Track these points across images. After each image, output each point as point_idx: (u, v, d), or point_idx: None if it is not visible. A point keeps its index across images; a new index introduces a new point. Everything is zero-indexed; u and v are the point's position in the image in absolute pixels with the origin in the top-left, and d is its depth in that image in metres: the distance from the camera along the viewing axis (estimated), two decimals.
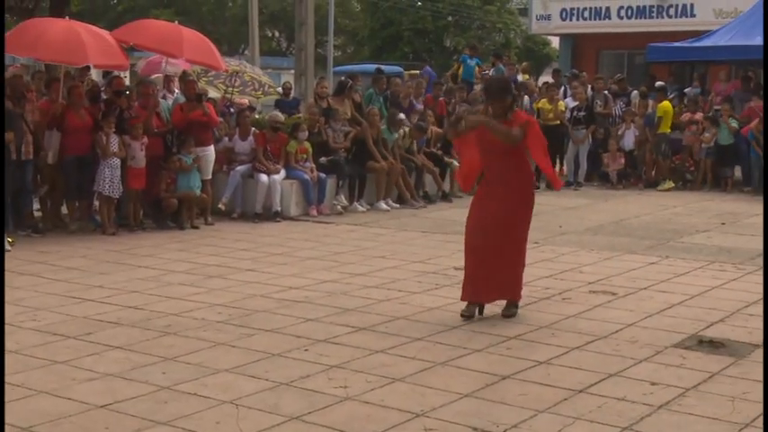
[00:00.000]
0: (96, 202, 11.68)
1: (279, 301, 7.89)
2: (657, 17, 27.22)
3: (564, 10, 29.01)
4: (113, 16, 40.97)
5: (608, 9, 28.11)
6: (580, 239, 11.22)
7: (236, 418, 5.09)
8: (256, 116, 14.53)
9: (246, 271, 9.18)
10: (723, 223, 12.56)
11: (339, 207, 13.36)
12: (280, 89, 17.99)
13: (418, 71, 24.15)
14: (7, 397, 5.08)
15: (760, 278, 8.87)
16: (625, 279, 8.84)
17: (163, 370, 5.92)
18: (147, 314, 7.38)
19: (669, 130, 16.85)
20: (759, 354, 6.37)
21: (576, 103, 17.34)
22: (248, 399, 5.38)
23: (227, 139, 13.32)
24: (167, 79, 13.64)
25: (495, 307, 7.50)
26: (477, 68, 20.52)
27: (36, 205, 11.65)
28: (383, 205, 13.73)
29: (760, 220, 12.69)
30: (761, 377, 5.81)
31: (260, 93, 16.68)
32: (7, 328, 6.52)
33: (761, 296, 8.05)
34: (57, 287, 8.34)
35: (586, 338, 6.73)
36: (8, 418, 4.76)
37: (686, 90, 19.16)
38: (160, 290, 8.28)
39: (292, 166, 13.04)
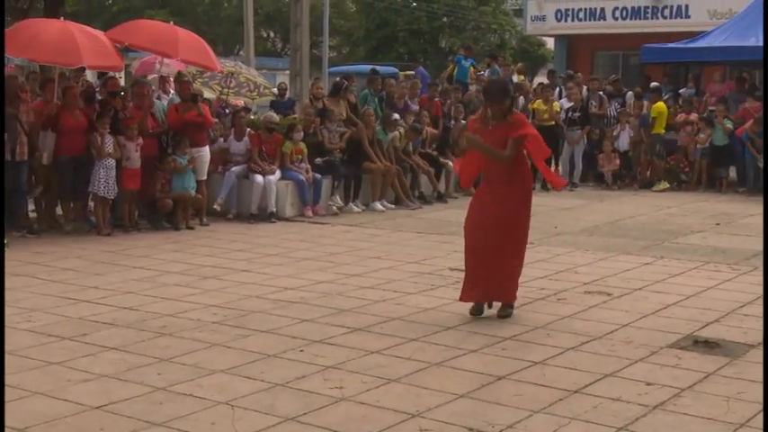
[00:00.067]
0: (91, 203, 11.67)
1: (274, 301, 7.89)
2: (652, 18, 27.27)
3: (559, 11, 29.05)
4: (108, 17, 40.95)
5: (603, 10, 28.15)
6: (575, 240, 11.23)
7: (232, 418, 5.09)
8: (251, 117, 14.53)
9: (242, 272, 9.18)
10: (718, 224, 12.58)
11: (334, 208, 13.36)
12: (275, 90, 18.00)
13: (413, 72, 24.16)
14: None
15: (755, 278, 8.89)
16: (620, 279, 8.85)
17: (158, 371, 5.91)
18: (142, 315, 7.37)
19: (663, 131, 16.87)
20: (754, 354, 6.38)
21: (571, 104, 17.36)
22: (244, 399, 5.38)
23: (222, 139, 13.31)
24: (162, 80, 13.65)
25: (490, 308, 7.51)
26: (471, 69, 20.53)
27: (31, 206, 11.62)
28: (378, 206, 13.73)
29: (755, 220, 12.73)
30: (756, 377, 5.83)
31: (255, 94, 16.71)
32: None
33: (756, 296, 8.07)
34: (51, 288, 8.33)
35: (582, 339, 6.74)
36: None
37: (681, 91, 19.19)
38: (155, 291, 8.27)
39: (288, 166, 13.03)
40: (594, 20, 28.41)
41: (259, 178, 12.67)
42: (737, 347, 6.54)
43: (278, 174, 12.87)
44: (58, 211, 11.85)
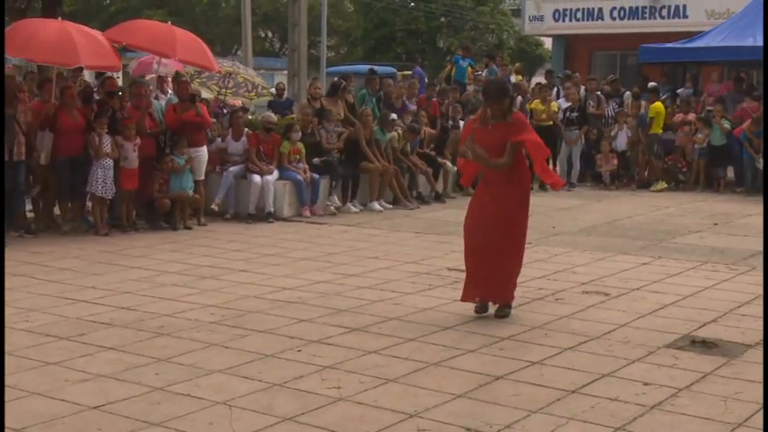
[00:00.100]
0: (89, 203, 11.66)
1: (272, 301, 7.89)
2: (650, 18, 27.29)
3: (557, 11, 29.06)
4: (106, 17, 40.91)
5: (600, 10, 28.17)
6: (573, 240, 11.23)
7: (230, 418, 5.09)
8: (249, 117, 14.53)
9: (239, 272, 9.18)
10: (716, 224, 12.59)
11: (332, 208, 13.36)
12: (273, 90, 17.98)
13: (410, 72, 24.16)
14: None
15: (752, 278, 8.90)
16: (618, 280, 8.86)
17: (156, 371, 5.91)
18: (139, 315, 7.37)
19: (661, 131, 16.88)
20: (752, 354, 6.39)
21: (569, 104, 17.37)
22: (241, 399, 5.38)
23: (220, 139, 13.31)
24: (160, 80, 13.65)
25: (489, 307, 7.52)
26: (469, 69, 20.53)
27: (28, 206, 11.62)
28: (376, 206, 13.73)
29: (752, 220, 12.74)
30: (753, 377, 5.83)
31: (253, 94, 16.70)
32: None
33: (753, 296, 8.08)
34: (49, 288, 8.32)
35: (579, 339, 6.74)
36: None
37: (679, 91, 19.18)
38: (153, 291, 8.27)
39: (285, 166, 13.03)
40: (592, 20, 28.43)
41: (257, 178, 12.67)
42: (735, 347, 6.55)
43: (276, 174, 12.87)
44: (56, 211, 11.84)
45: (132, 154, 11.48)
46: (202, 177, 12.41)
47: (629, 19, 27.64)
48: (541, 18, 29.53)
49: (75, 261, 9.65)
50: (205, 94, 15.37)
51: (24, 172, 11.04)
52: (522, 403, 5.34)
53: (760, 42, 17.14)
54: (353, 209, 13.53)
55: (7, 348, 6.26)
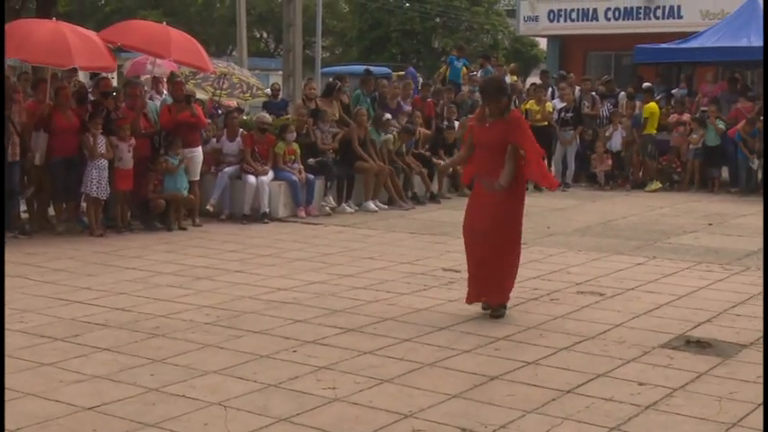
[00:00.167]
0: (84, 204, 11.65)
1: (267, 302, 7.89)
2: (645, 18, 27.33)
3: (551, 11, 29.09)
4: (101, 17, 40.88)
5: (595, 10, 28.21)
6: (568, 240, 11.24)
7: (225, 419, 5.08)
8: (244, 117, 14.52)
9: (235, 272, 9.17)
10: (710, 224, 12.61)
11: (327, 208, 13.36)
12: (268, 90, 17.98)
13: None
14: None
15: (747, 278, 8.91)
16: (613, 280, 8.87)
17: (151, 372, 5.90)
18: (134, 316, 7.36)
19: (655, 131, 16.91)
20: (746, 354, 6.40)
21: (564, 105, 17.39)
22: (237, 400, 5.37)
23: (214, 140, 13.30)
24: (155, 80, 13.63)
25: (484, 308, 7.52)
26: (464, 69, 20.55)
27: (23, 207, 11.60)
28: (371, 205, 13.73)
29: (747, 220, 12.77)
30: (748, 377, 5.84)
31: (248, 95, 16.69)
32: None
33: (748, 296, 8.10)
34: (44, 289, 8.31)
35: (574, 339, 6.75)
36: None
37: (673, 91, 19.24)
38: (148, 291, 8.26)
39: (280, 167, 13.02)
40: (587, 20, 28.46)
41: (252, 179, 12.66)
42: (729, 347, 6.55)
43: (271, 174, 12.86)
44: (51, 211, 11.83)
45: (127, 154, 11.47)
46: (197, 178, 12.40)
47: (623, 19, 27.68)
48: (536, 18, 29.56)
49: (69, 262, 9.64)
50: (200, 95, 15.36)
51: (19, 173, 11.03)
52: (517, 403, 5.34)
53: (754, 43, 17.20)
54: (348, 209, 13.53)
55: None
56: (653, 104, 16.98)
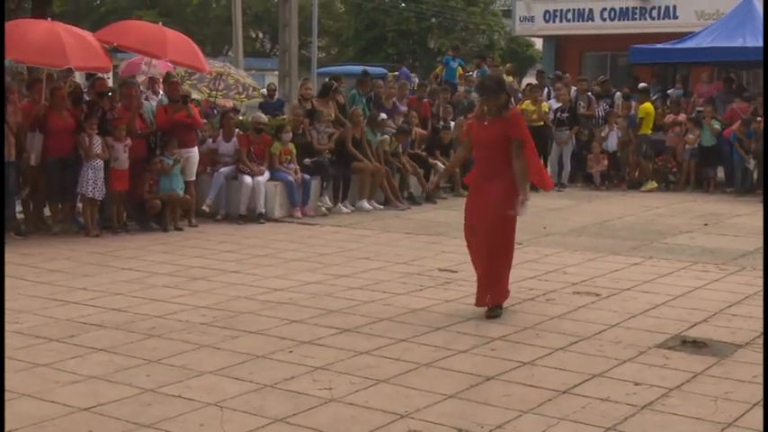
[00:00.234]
0: (79, 204, 11.64)
1: (263, 302, 7.88)
2: (640, 19, 27.36)
3: (547, 12, 29.11)
4: (96, 17, 40.86)
5: (591, 11, 28.23)
6: (564, 240, 11.25)
7: (221, 420, 5.08)
8: (240, 118, 14.51)
9: (231, 273, 9.16)
10: (706, 224, 12.62)
11: (323, 208, 13.35)
12: (264, 90, 17.98)
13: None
14: None
15: (743, 278, 8.93)
16: (608, 280, 8.87)
17: (147, 372, 5.90)
18: (130, 316, 7.35)
19: (650, 132, 16.92)
20: (742, 354, 6.41)
21: (560, 105, 17.40)
22: (233, 401, 5.37)
23: (210, 140, 13.29)
24: (152, 81, 13.63)
25: (479, 308, 7.53)
26: (460, 69, 20.55)
27: (18, 207, 11.58)
28: (366, 205, 13.73)
29: (742, 220, 12.79)
30: (743, 377, 5.85)
31: (243, 96, 16.69)
32: None
33: (743, 296, 8.11)
34: (39, 289, 8.30)
35: (570, 339, 6.75)
36: None
37: (669, 91, 19.25)
38: (144, 292, 8.25)
39: (276, 167, 13.02)
40: (583, 21, 28.48)
41: (248, 179, 12.65)
42: (725, 347, 6.56)
43: (267, 174, 12.86)
44: (46, 212, 11.80)
45: (123, 155, 11.46)
46: (193, 178, 12.39)
47: (619, 20, 27.70)
48: (532, 19, 29.58)
49: (65, 262, 9.63)
50: (195, 95, 15.36)
51: (14, 173, 11.00)
52: (514, 404, 5.35)
53: (750, 43, 17.23)
54: (344, 209, 13.53)
55: None
56: (648, 105, 17.00)
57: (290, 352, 6.38)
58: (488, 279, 7.40)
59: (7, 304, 7.64)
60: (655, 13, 27.14)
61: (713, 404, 5.36)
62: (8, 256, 9.67)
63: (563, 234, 11.75)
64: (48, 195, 11.58)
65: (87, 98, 12.10)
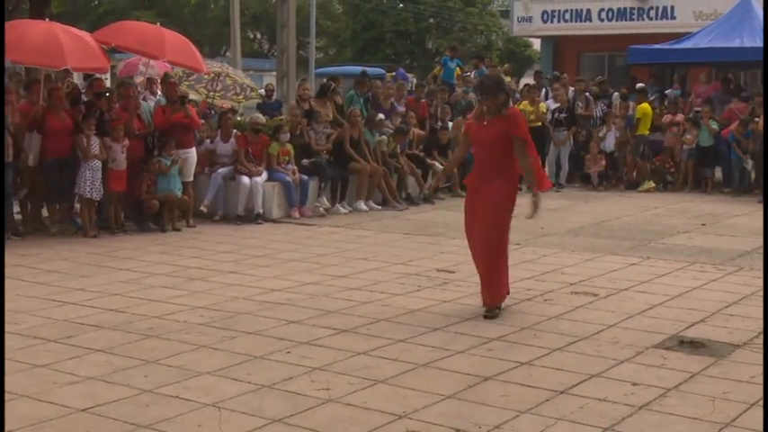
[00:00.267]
0: (77, 205, 11.62)
1: (261, 303, 7.88)
2: (638, 19, 27.37)
3: (545, 12, 29.12)
4: (94, 18, 40.82)
5: (589, 11, 28.24)
6: (561, 241, 11.25)
7: (219, 420, 5.08)
8: (238, 118, 14.51)
9: (228, 273, 9.16)
10: (703, 224, 12.63)
11: (321, 209, 13.35)
12: (262, 91, 17.97)
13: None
14: None
15: (740, 279, 8.93)
16: (606, 280, 8.88)
17: (144, 373, 5.90)
18: (128, 317, 7.35)
19: (648, 132, 16.93)
20: (740, 354, 6.41)
21: (558, 105, 17.41)
22: (230, 401, 5.37)
23: (208, 141, 13.29)
24: (150, 81, 13.62)
25: (477, 308, 7.54)
26: (457, 70, 20.55)
27: (16, 208, 11.57)
28: (362, 205, 13.73)
29: (740, 221, 12.80)
30: (741, 377, 5.86)
31: (241, 97, 16.67)
32: None
33: (741, 296, 8.12)
34: (37, 290, 8.30)
35: (568, 339, 6.75)
36: None
37: (667, 92, 19.25)
38: (142, 292, 8.25)
39: (274, 168, 13.02)
40: (580, 21, 28.49)
41: (246, 180, 12.65)
42: (723, 347, 6.57)
43: (264, 175, 12.86)
44: (44, 212, 11.81)
45: (120, 155, 11.46)
46: (191, 179, 12.39)
47: (617, 20, 27.71)
48: (530, 19, 29.58)
49: (63, 263, 9.62)
50: (193, 96, 15.35)
51: (12, 174, 11.00)
52: (511, 404, 5.35)
53: (747, 43, 17.25)
54: (342, 210, 13.53)
55: None
56: (645, 105, 17.01)
57: (288, 352, 6.38)
58: (489, 279, 7.41)
59: (5, 305, 7.64)
60: (652, 13, 27.15)
61: (711, 404, 5.37)
62: (6, 257, 9.66)
63: (561, 234, 11.75)
64: (45, 196, 11.57)
65: (85, 99, 12.09)
